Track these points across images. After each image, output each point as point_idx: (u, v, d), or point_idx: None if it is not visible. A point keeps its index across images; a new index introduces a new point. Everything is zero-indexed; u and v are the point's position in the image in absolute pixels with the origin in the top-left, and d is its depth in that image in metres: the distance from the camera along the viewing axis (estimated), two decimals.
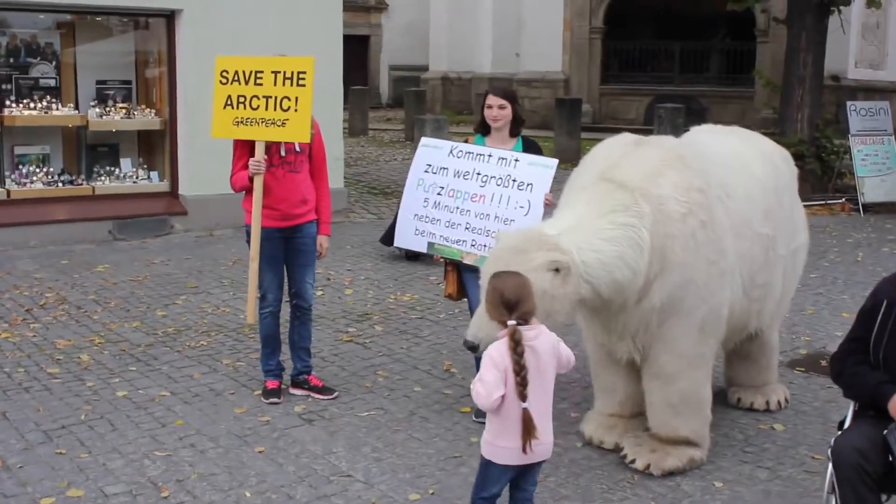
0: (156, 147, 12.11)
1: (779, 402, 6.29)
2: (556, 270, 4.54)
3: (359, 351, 7.29)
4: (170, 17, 11.55)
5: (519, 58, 28.20)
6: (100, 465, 5.29)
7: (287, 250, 6.27)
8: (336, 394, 6.38)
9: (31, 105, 11.15)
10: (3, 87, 11.17)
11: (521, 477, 4.20)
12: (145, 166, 12.00)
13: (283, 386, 6.41)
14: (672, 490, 5.11)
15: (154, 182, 11.88)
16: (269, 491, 5.01)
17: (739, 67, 25.45)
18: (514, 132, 6.12)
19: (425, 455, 5.50)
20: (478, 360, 4.68)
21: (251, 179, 6.04)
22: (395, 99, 33.59)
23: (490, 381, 3.92)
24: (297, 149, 6.16)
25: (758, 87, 23.43)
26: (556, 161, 5.86)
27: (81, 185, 11.45)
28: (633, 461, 5.28)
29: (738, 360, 6.27)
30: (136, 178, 11.82)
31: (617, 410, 5.64)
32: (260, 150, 6.05)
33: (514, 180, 5.85)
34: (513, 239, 4.73)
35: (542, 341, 4.04)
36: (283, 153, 6.14)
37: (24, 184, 11.11)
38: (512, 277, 4.10)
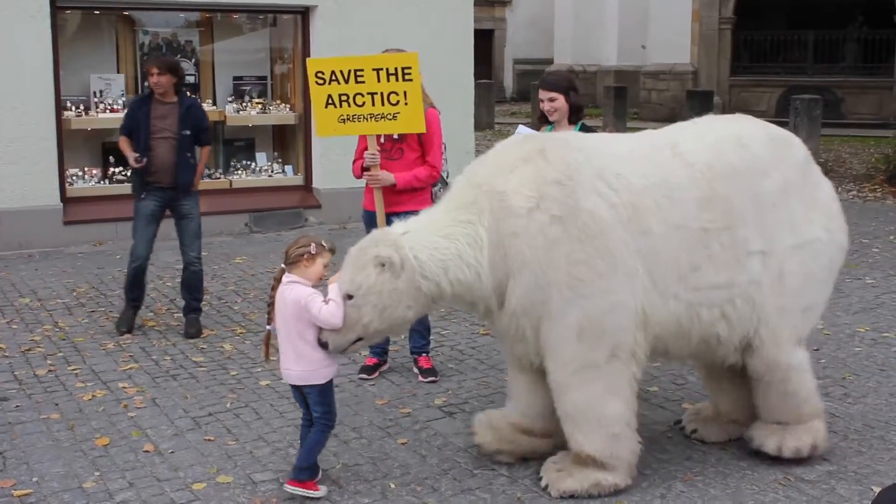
0: (290, 141, 12.36)
1: (797, 449, 5.11)
2: (383, 265, 4.64)
3: (496, 344, 7.25)
4: (304, 13, 11.74)
5: (645, 50, 27.85)
6: (247, 453, 5.39)
7: None
8: (433, 378, 6.54)
9: None
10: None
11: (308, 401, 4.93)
12: (280, 160, 12.25)
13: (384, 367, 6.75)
14: (827, 493, 4.92)
15: (288, 176, 12.13)
16: (413, 482, 5.01)
17: (877, 56, 24.58)
18: (572, 120, 6.08)
19: None
20: None
21: (364, 169, 6.44)
22: (519, 93, 33.60)
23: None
24: (395, 137, 6.46)
25: None
26: None
27: (219, 178, 11.75)
28: (540, 478, 4.97)
29: (755, 386, 5.21)
30: (272, 171, 12.07)
31: (516, 419, 5.25)
32: (372, 144, 6.40)
33: None
34: (367, 237, 4.91)
35: (289, 290, 4.70)
36: (381, 141, 6.48)
37: None
38: (294, 243, 4.85)
